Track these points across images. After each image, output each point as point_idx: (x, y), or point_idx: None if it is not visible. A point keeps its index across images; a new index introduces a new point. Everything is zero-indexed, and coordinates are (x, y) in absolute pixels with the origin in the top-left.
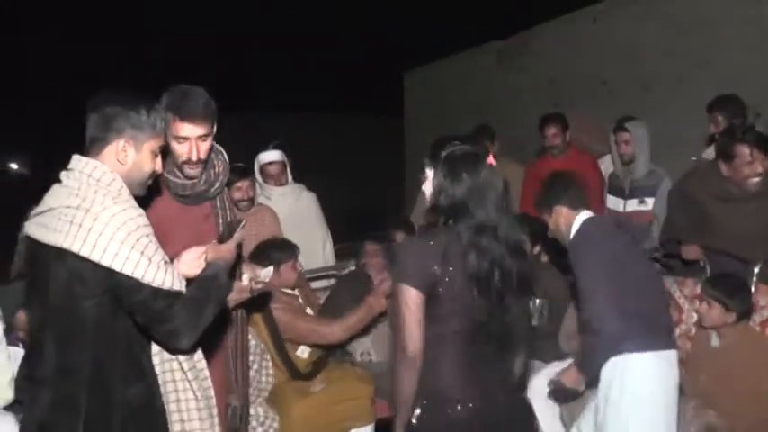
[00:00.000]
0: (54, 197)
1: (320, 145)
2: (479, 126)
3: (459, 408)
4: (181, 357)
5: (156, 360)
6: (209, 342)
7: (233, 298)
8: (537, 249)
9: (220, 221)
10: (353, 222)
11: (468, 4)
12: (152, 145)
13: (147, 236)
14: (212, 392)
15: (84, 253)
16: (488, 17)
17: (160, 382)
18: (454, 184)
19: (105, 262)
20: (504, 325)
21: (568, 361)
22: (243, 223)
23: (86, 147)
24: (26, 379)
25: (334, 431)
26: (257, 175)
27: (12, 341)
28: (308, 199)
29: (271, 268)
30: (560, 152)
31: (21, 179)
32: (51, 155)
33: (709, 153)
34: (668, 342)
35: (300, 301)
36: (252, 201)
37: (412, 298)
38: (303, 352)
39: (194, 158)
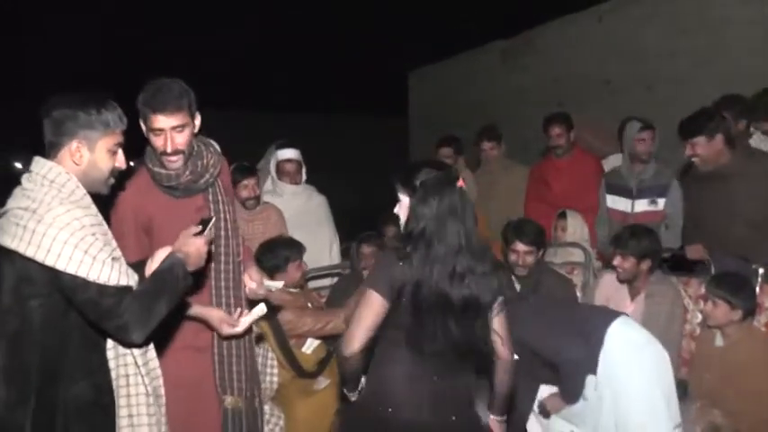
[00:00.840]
0: (12, 198)
1: (321, 145)
2: (486, 126)
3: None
4: (135, 352)
5: (110, 354)
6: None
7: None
8: (540, 253)
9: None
10: (354, 222)
11: (471, 4)
12: (107, 143)
13: (93, 234)
14: (162, 390)
15: (29, 254)
16: (492, 16)
17: (113, 376)
18: (424, 210)
19: (50, 262)
20: (454, 347)
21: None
22: (212, 222)
23: (46, 151)
24: None
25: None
26: (272, 171)
27: None
28: (318, 200)
29: (281, 283)
30: (564, 152)
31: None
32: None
33: None
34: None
35: (303, 299)
36: (258, 199)
37: (376, 304)
38: (309, 347)
39: (170, 149)
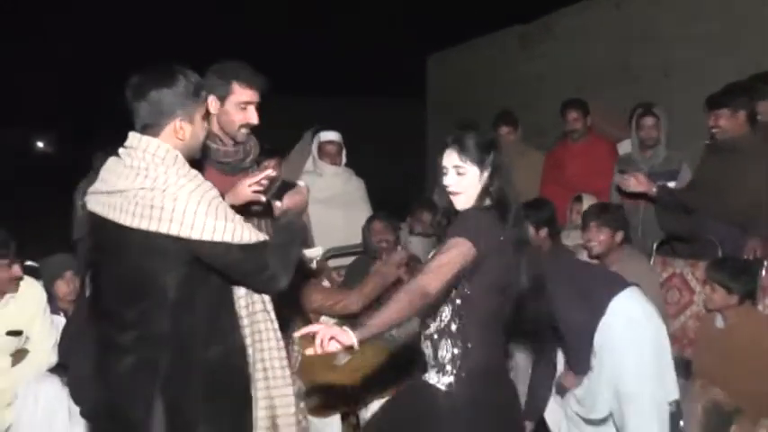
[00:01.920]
0: (121, 178)
1: (341, 128)
2: (502, 111)
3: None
4: (268, 306)
5: (243, 313)
6: None
7: None
8: (543, 233)
9: None
10: (375, 205)
11: None
12: (200, 112)
13: (219, 200)
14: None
15: (163, 230)
16: (511, 1)
17: (248, 332)
18: (501, 177)
19: (195, 236)
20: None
21: None
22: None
23: (141, 129)
24: (103, 348)
25: (360, 402)
26: (314, 152)
27: (53, 310)
28: (357, 183)
29: (319, 250)
30: (580, 136)
31: (45, 158)
32: (76, 134)
33: None
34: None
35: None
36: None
37: (465, 251)
38: (341, 360)
39: (253, 122)
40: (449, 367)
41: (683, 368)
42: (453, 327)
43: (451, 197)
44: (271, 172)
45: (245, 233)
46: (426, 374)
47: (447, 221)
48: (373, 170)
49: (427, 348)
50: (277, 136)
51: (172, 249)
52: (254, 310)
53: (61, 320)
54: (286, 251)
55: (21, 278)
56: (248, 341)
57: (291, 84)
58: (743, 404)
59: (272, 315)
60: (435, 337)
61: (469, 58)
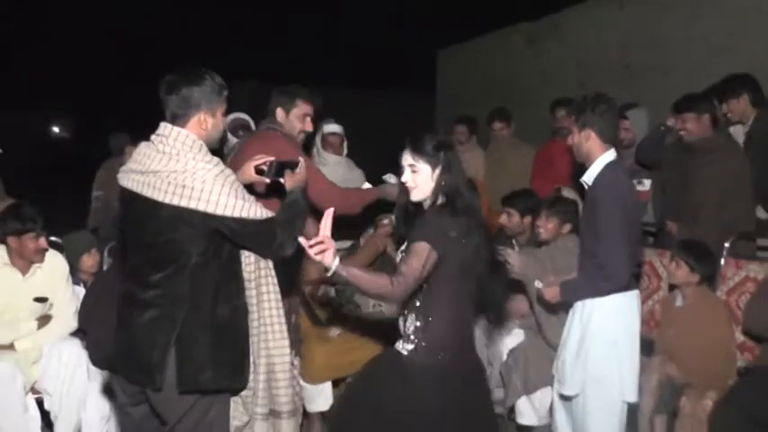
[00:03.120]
0: (154, 161)
1: (348, 120)
2: (497, 108)
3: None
4: (272, 272)
5: (251, 277)
6: None
7: None
8: (527, 221)
9: None
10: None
11: None
12: (221, 109)
13: (238, 183)
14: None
15: (192, 206)
16: None
17: (253, 293)
18: (452, 173)
19: (219, 212)
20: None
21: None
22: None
23: (170, 120)
24: (128, 303)
25: (344, 374)
26: (317, 143)
27: (75, 281)
28: (358, 172)
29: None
30: (568, 134)
31: (62, 142)
32: (92, 120)
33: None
34: (636, 283)
35: None
36: None
37: (426, 255)
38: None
39: (310, 130)
40: (412, 337)
41: (647, 347)
42: (418, 303)
43: (409, 191)
44: (265, 158)
45: (258, 210)
46: (397, 343)
47: (404, 215)
48: (382, 162)
49: (400, 321)
50: None
51: (198, 222)
52: (258, 276)
53: (81, 291)
54: (291, 225)
55: (47, 250)
56: (253, 301)
57: (304, 75)
58: (693, 378)
59: (275, 281)
60: (405, 312)
61: (478, 53)
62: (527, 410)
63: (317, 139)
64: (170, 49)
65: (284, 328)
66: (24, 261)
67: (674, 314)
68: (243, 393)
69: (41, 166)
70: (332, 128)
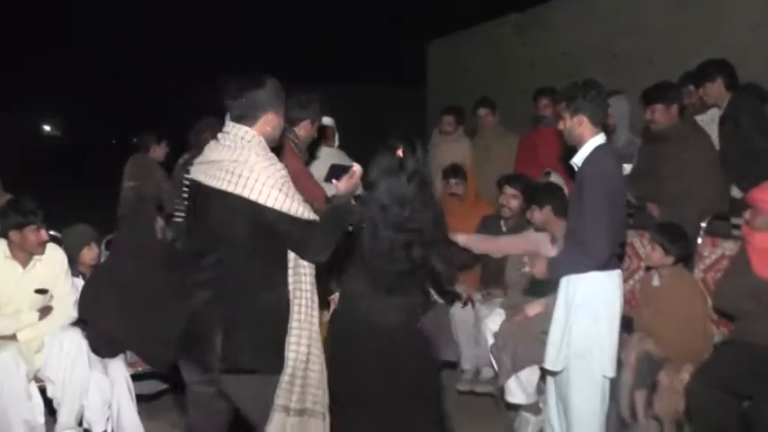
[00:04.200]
0: (216, 153)
1: (342, 114)
2: (481, 98)
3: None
4: (308, 270)
5: (290, 272)
6: None
7: None
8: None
9: None
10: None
11: None
12: (282, 112)
13: (287, 179)
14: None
15: (244, 194)
16: None
17: (291, 288)
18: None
19: (261, 201)
20: None
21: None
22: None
23: (236, 119)
24: (190, 283)
25: None
26: None
27: (74, 273)
28: (349, 163)
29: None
30: (551, 122)
31: (53, 141)
32: (82, 119)
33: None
34: (619, 262)
35: None
36: None
37: None
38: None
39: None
40: None
41: (628, 324)
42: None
43: None
44: None
45: (300, 209)
46: None
47: None
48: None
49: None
50: None
51: (244, 210)
52: (298, 271)
53: (80, 282)
54: (332, 233)
55: (48, 241)
56: (291, 292)
57: (295, 69)
58: (670, 353)
59: (313, 277)
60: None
61: (467, 45)
62: (515, 389)
63: None
64: (156, 47)
65: (317, 320)
66: (25, 254)
67: (650, 293)
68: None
69: (35, 163)
70: (324, 121)
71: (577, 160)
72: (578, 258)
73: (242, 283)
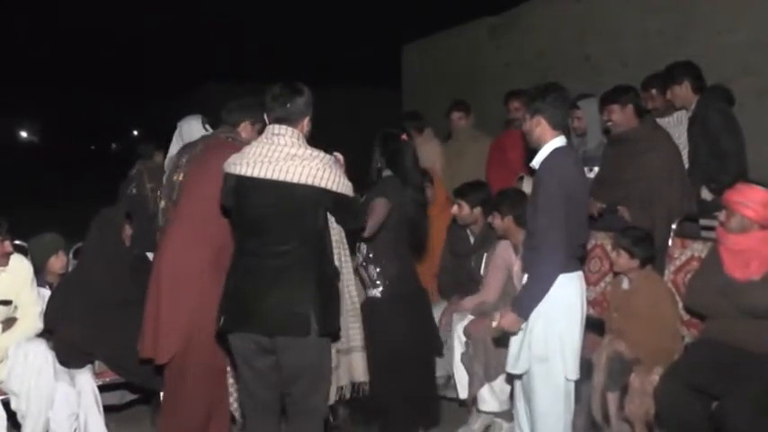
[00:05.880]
0: (279, 152)
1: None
2: (455, 100)
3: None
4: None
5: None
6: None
7: None
8: (477, 211)
9: None
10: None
11: None
12: (310, 115)
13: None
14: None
15: (323, 184)
16: None
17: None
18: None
19: (336, 188)
20: None
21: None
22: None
23: (277, 122)
24: (252, 272)
25: None
26: None
27: (40, 283)
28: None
29: None
30: (521, 125)
31: (30, 147)
32: (59, 124)
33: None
34: (579, 264)
35: None
36: None
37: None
38: None
39: None
40: (378, 281)
41: (599, 327)
42: (372, 254)
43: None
44: None
45: (351, 189)
46: (368, 291)
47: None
48: (350, 157)
49: (363, 274)
50: None
51: (320, 198)
52: (340, 247)
53: (46, 292)
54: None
55: (11, 253)
56: (338, 261)
57: (269, 74)
58: (641, 355)
59: (348, 251)
60: (364, 264)
61: (442, 47)
62: (489, 397)
63: None
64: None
65: (353, 281)
66: None
67: (620, 296)
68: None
69: (10, 169)
70: None
71: (536, 162)
72: (538, 275)
73: (317, 260)
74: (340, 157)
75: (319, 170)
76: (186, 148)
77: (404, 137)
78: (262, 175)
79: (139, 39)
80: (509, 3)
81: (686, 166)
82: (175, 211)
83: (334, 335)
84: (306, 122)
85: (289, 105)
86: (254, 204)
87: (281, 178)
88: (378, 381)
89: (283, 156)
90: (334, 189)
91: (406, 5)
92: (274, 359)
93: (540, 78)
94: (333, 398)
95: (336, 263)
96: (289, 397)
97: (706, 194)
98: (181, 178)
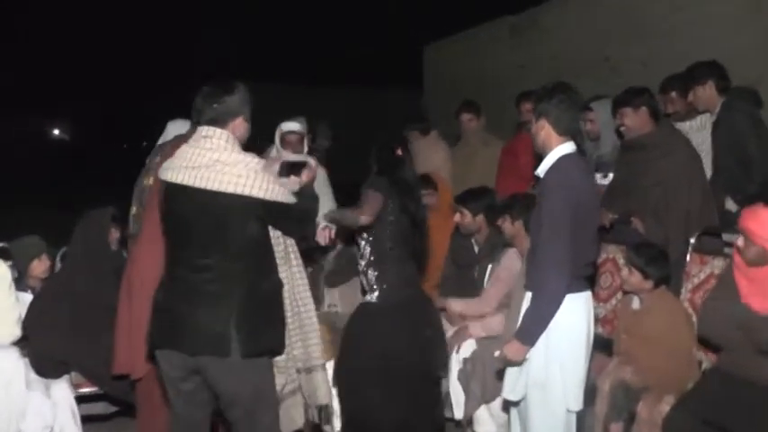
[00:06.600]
0: (203, 157)
1: (336, 118)
2: (465, 100)
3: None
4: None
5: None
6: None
7: None
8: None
9: None
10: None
11: None
12: (249, 114)
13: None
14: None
15: (253, 193)
16: None
17: (286, 274)
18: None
19: (268, 196)
20: None
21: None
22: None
23: (208, 123)
24: (178, 285)
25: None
26: (277, 142)
27: (22, 287)
28: (319, 171)
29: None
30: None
31: (61, 144)
32: (91, 122)
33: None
34: (587, 284)
35: None
36: None
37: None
38: None
39: None
40: (375, 286)
41: (607, 347)
42: (372, 258)
43: None
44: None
45: (290, 196)
46: (365, 296)
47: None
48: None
49: (363, 279)
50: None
51: (250, 207)
52: (287, 252)
53: (28, 297)
54: (311, 210)
55: None
56: (285, 274)
57: (291, 74)
58: (650, 382)
59: (298, 255)
60: (365, 269)
61: (463, 47)
62: (485, 419)
63: (276, 138)
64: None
65: (309, 292)
66: None
67: (630, 317)
68: (279, 359)
69: (42, 167)
70: (290, 126)
71: (540, 170)
72: (541, 307)
73: (247, 274)
74: (312, 162)
75: (241, 177)
76: (158, 149)
77: (399, 151)
78: (184, 182)
79: (174, 35)
80: (529, 2)
81: (710, 174)
82: (146, 216)
83: (273, 353)
84: (239, 123)
85: (216, 105)
86: (177, 213)
87: (202, 186)
88: (368, 399)
89: (206, 161)
90: (262, 196)
91: (427, 6)
92: (200, 379)
93: (558, 79)
94: (299, 422)
95: (283, 275)
96: (231, 423)
97: (731, 205)
98: (151, 182)
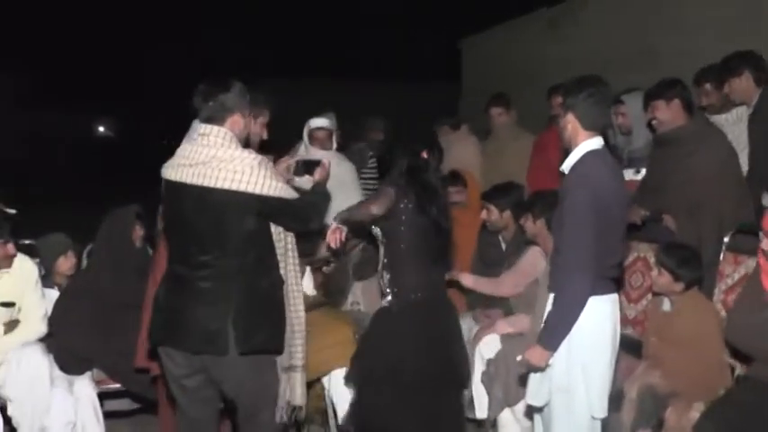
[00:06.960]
0: (200, 154)
1: (376, 111)
2: (495, 94)
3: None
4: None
5: (280, 258)
6: None
7: None
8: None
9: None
10: None
11: None
12: (247, 110)
13: (270, 166)
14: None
15: (249, 189)
16: None
17: (283, 273)
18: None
19: (265, 192)
20: None
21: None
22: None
23: (205, 121)
24: (177, 282)
25: (317, 374)
26: (305, 138)
27: (48, 284)
28: (347, 167)
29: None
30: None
31: (106, 142)
32: (137, 120)
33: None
34: (614, 286)
35: None
36: None
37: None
38: (306, 287)
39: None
40: (388, 289)
41: (636, 349)
42: (386, 260)
43: None
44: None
45: (291, 191)
46: (382, 300)
47: None
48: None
49: (380, 282)
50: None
51: (247, 204)
52: (286, 250)
53: (54, 294)
54: (319, 205)
55: (14, 256)
56: (283, 272)
57: (326, 67)
58: (679, 387)
59: (296, 254)
60: (381, 272)
61: (501, 40)
62: (509, 422)
63: (305, 135)
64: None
65: (301, 293)
66: None
67: (660, 320)
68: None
69: (87, 164)
70: (318, 122)
71: (565, 166)
72: (563, 311)
73: (244, 272)
74: (325, 162)
75: (237, 173)
76: None
77: (424, 154)
78: (182, 180)
79: (205, 35)
80: None
81: (746, 169)
82: None
83: (275, 351)
84: (236, 119)
85: (212, 103)
86: (177, 211)
87: (199, 182)
88: (382, 406)
89: (203, 158)
90: (259, 192)
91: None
92: (204, 377)
93: (598, 72)
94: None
95: (282, 271)
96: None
97: (767, 201)
98: None
